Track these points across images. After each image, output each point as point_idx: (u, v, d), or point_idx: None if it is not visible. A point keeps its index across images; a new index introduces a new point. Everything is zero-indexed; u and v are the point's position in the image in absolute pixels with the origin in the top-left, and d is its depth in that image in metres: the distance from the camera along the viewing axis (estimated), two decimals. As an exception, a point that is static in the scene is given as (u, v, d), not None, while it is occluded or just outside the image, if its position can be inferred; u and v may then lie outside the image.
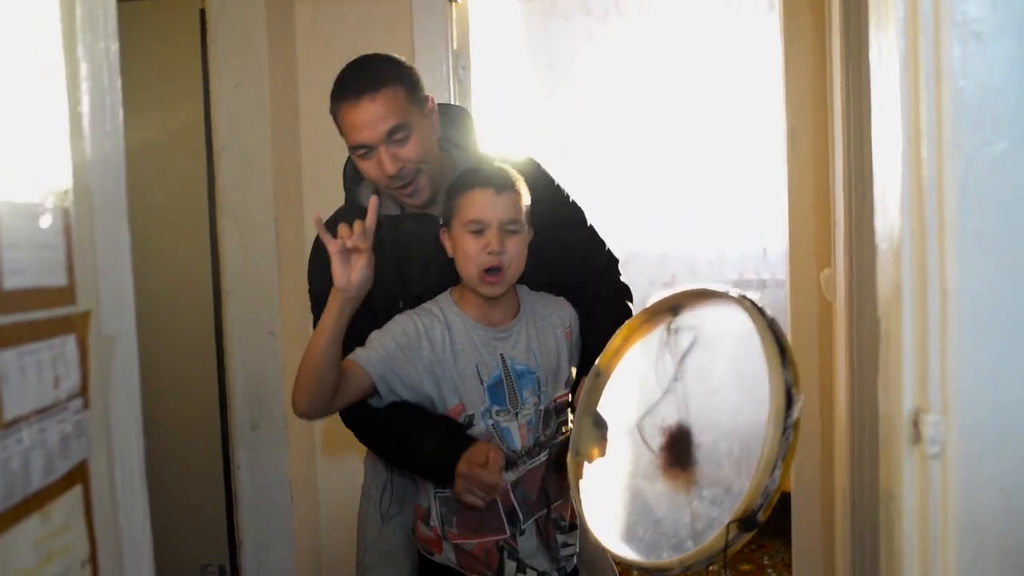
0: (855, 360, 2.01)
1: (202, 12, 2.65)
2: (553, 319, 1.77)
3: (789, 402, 1.24)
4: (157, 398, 2.60)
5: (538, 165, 1.90)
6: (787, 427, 1.22)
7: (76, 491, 0.80)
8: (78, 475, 0.81)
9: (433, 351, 1.64)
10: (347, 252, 1.51)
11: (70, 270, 0.81)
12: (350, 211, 1.74)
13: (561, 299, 1.81)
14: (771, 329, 1.31)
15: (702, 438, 1.40)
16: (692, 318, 1.50)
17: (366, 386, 1.61)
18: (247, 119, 2.55)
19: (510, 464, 1.66)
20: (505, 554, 1.68)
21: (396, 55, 1.73)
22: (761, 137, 4.14)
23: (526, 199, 1.68)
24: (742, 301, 1.37)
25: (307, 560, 2.74)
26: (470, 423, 1.66)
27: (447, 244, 1.68)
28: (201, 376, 2.70)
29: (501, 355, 1.68)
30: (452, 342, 1.66)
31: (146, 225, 2.57)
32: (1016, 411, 0.87)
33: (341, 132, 1.69)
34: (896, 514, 0.96)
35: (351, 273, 1.51)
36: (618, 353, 1.61)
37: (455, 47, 2.76)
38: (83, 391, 0.82)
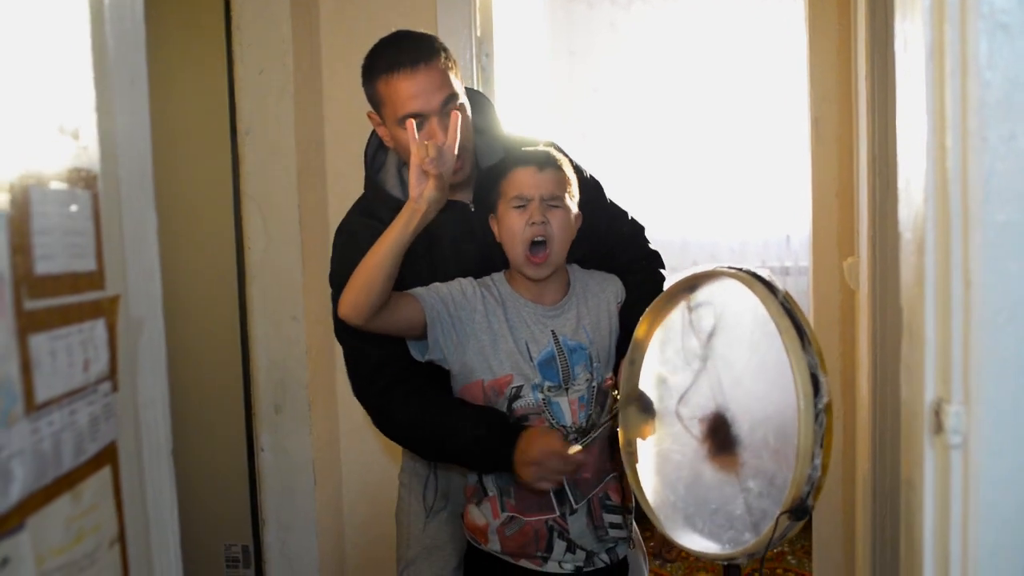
0: (877, 348, 2.00)
1: (227, -2, 2.66)
2: (607, 294, 1.77)
3: (816, 386, 1.19)
4: (183, 381, 2.63)
5: (558, 148, 1.91)
6: (818, 412, 1.18)
7: (105, 472, 0.82)
8: (107, 456, 0.82)
9: (486, 317, 1.67)
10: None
11: (99, 255, 0.82)
12: (374, 200, 1.77)
13: (612, 276, 1.81)
14: (785, 309, 1.26)
15: (738, 427, 1.38)
16: (709, 295, 1.47)
17: (413, 318, 1.62)
18: (271, 105, 2.56)
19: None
20: (555, 533, 1.68)
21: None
22: (784, 124, 4.11)
23: (571, 179, 1.71)
24: (752, 283, 1.32)
25: (329, 541, 2.76)
26: (516, 395, 1.67)
27: (495, 229, 1.71)
28: (226, 359, 2.72)
29: (552, 331, 1.69)
30: (506, 316, 1.68)
31: (171, 210, 2.60)
32: (1039, 403, 0.87)
33: (379, 105, 1.68)
34: (916, 503, 0.96)
35: (423, 188, 1.52)
36: (647, 338, 1.60)
37: (478, 34, 2.76)
38: (112, 374, 0.84)
